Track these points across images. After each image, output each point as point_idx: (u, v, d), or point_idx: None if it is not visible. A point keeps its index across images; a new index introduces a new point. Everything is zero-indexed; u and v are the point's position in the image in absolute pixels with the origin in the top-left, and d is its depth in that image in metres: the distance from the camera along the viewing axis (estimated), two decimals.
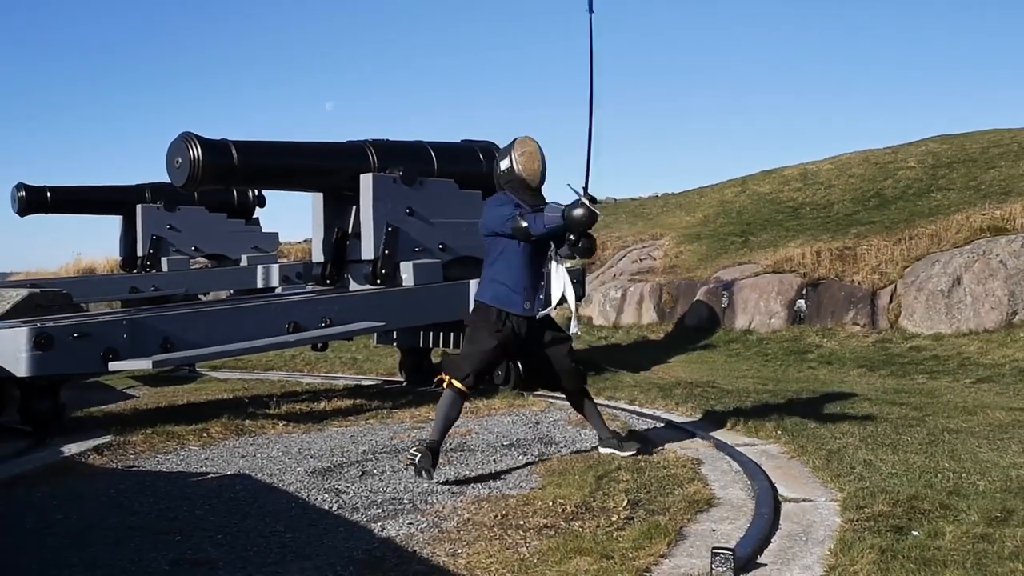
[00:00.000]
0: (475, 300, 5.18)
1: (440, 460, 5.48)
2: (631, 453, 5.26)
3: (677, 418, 6.79)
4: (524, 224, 4.80)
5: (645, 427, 6.46)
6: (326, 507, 4.51)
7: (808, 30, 76.36)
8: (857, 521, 3.94)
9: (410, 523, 4.20)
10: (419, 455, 4.85)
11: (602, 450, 5.44)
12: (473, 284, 8.22)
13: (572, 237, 4.83)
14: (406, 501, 4.60)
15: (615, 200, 22.56)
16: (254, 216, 15.36)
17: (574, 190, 4.68)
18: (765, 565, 3.52)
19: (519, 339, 5.08)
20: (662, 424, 6.57)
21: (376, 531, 4.09)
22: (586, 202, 4.63)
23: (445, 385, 5.05)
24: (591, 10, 4.88)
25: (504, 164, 5.05)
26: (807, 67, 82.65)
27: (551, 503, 4.40)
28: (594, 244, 4.94)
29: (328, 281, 8.62)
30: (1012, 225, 11.19)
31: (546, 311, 5.14)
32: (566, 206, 4.69)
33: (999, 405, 7.12)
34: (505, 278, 4.98)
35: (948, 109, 74.00)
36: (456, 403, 5.03)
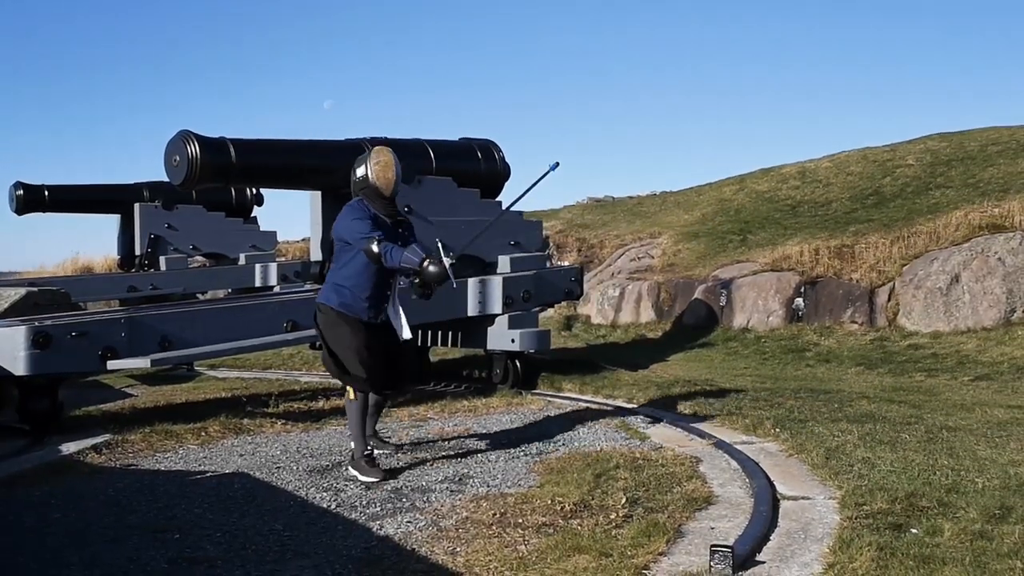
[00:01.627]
0: (321, 304, 5.15)
1: (438, 458, 5.49)
2: (370, 479, 4.97)
3: (675, 416, 6.79)
4: (377, 251, 4.81)
5: (644, 425, 6.47)
6: (324, 505, 4.51)
7: (806, 28, 76.38)
8: (856, 519, 3.95)
9: (408, 521, 4.21)
10: (363, 475, 4.97)
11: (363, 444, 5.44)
12: (472, 283, 8.24)
13: (416, 281, 4.88)
14: (404, 499, 4.60)
15: (613, 198, 22.56)
16: (252, 215, 15.33)
17: (440, 248, 4.80)
18: (764, 563, 3.52)
19: (370, 337, 5.07)
20: (660, 422, 6.58)
21: (375, 529, 4.09)
22: (447, 264, 4.75)
23: (352, 397, 5.12)
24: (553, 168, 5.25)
25: (360, 172, 5.10)
26: (805, 65, 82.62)
27: (550, 501, 4.40)
28: (431, 296, 4.97)
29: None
30: (1010, 223, 11.22)
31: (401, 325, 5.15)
32: (427, 257, 4.78)
33: (997, 403, 7.14)
34: (351, 284, 5.01)
35: (947, 107, 73.78)
36: (361, 407, 5.12)
